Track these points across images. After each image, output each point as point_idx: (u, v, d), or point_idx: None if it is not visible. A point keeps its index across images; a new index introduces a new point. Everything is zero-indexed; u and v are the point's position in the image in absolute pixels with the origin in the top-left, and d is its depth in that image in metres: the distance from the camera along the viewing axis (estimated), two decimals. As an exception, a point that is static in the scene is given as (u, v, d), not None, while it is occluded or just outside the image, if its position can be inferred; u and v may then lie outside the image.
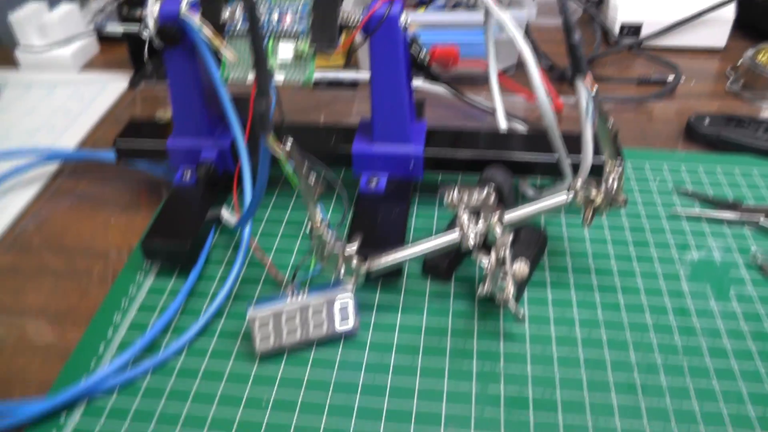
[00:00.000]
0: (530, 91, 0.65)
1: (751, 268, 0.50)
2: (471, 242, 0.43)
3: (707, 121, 0.64)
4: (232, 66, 0.49)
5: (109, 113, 0.70)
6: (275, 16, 0.49)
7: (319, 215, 0.41)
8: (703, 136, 0.63)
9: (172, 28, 0.48)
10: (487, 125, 0.66)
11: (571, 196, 0.45)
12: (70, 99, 0.72)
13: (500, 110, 0.58)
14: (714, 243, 0.52)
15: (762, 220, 0.53)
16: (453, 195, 0.43)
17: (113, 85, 0.74)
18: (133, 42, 0.73)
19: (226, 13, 0.49)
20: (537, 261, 0.50)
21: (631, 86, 0.74)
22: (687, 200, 0.56)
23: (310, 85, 0.48)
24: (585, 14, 0.88)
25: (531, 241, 0.49)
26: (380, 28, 0.47)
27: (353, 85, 0.72)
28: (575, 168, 0.50)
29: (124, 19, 0.73)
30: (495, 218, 0.43)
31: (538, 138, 0.53)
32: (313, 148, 0.52)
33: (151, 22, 0.70)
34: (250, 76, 0.49)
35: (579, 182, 0.45)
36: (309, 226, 0.41)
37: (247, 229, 0.49)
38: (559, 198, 0.45)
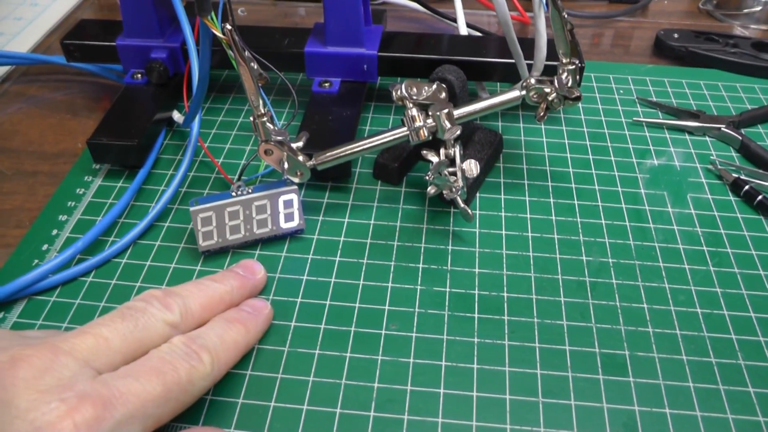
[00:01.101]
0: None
1: (710, 174, 0.49)
2: (418, 137, 0.42)
3: (676, 35, 0.62)
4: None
5: (64, 21, 0.68)
6: None
7: (261, 106, 0.40)
8: (671, 50, 0.62)
9: None
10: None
11: (524, 92, 0.43)
12: (21, 5, 0.69)
13: (461, 17, 0.57)
14: (674, 150, 0.51)
15: (723, 128, 0.52)
16: (401, 89, 0.42)
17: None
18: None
19: None
20: (491, 163, 0.49)
21: (602, 5, 0.72)
22: (650, 110, 0.55)
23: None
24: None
25: (485, 142, 0.48)
26: None
27: (316, -2, 0.70)
28: (531, 68, 0.48)
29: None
30: (444, 112, 0.42)
31: (496, 42, 0.52)
32: (265, 49, 0.50)
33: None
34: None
35: (533, 79, 0.43)
36: (252, 118, 0.40)
37: (195, 126, 0.48)
38: (512, 94, 0.43)
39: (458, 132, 0.41)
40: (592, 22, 0.68)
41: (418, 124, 0.41)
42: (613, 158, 0.50)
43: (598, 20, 0.68)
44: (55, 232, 0.45)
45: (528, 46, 0.48)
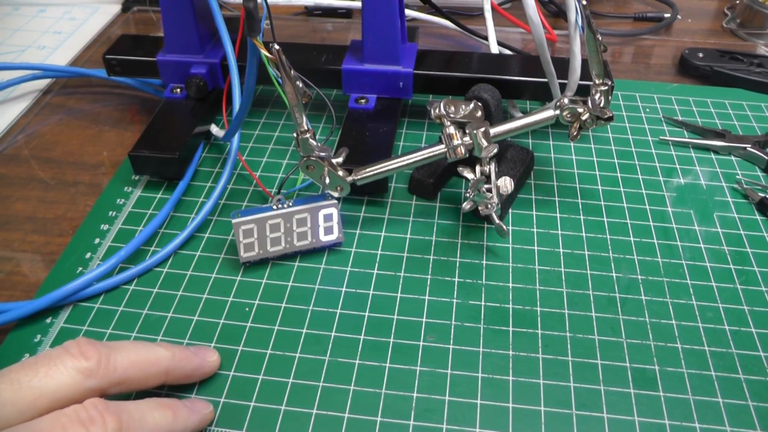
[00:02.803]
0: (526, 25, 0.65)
1: (735, 193, 0.50)
2: (456, 154, 0.43)
3: (701, 54, 0.64)
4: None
5: (100, 35, 0.70)
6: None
7: (305, 123, 0.41)
8: (695, 69, 0.63)
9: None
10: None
11: (557, 112, 0.45)
12: (60, 20, 0.71)
13: (492, 35, 0.58)
14: (700, 169, 0.52)
15: (749, 147, 0.53)
16: (440, 108, 0.43)
17: (106, 8, 0.74)
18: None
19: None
20: (523, 180, 0.50)
21: (627, 23, 0.73)
22: (676, 128, 0.56)
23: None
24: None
25: (517, 159, 0.49)
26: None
27: (347, 14, 0.72)
28: (564, 88, 0.50)
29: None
30: (480, 131, 0.43)
31: (528, 61, 0.53)
32: (304, 66, 0.52)
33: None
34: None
35: (566, 99, 0.45)
36: (294, 134, 0.41)
37: (235, 140, 0.49)
38: (546, 113, 0.45)
39: (495, 150, 0.42)
40: (618, 39, 0.69)
41: (456, 142, 0.42)
42: (640, 176, 0.51)
43: (623, 38, 0.70)
44: (97, 240, 0.46)
45: (559, 65, 0.49)
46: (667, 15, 0.73)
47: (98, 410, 0.29)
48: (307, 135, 0.41)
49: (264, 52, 0.38)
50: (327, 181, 0.43)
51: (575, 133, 0.44)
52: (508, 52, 0.63)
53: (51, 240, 0.47)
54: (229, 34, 0.50)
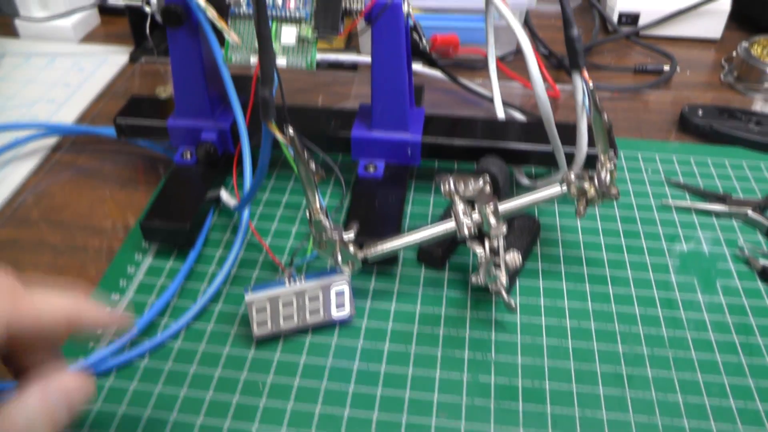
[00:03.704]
0: (527, 80, 0.66)
1: (738, 260, 0.51)
2: (466, 232, 0.44)
3: (700, 112, 0.65)
4: (236, 48, 0.50)
5: (109, 87, 0.70)
6: (279, 0, 0.49)
7: (318, 202, 0.42)
8: (695, 127, 0.64)
9: (177, 8, 0.48)
10: (485, 111, 0.66)
11: (564, 188, 0.45)
12: (70, 71, 0.72)
13: (498, 100, 0.59)
14: (702, 235, 0.53)
15: (750, 212, 0.54)
16: (449, 184, 0.44)
17: (114, 59, 0.74)
18: (135, 15, 0.73)
19: (230, -5, 0.50)
20: (530, 250, 0.51)
21: (627, 75, 0.74)
22: (678, 191, 0.57)
23: (312, 69, 0.49)
24: (584, 1, 0.88)
25: (524, 229, 0.50)
26: (383, 16, 0.47)
27: (353, 67, 0.72)
28: (570, 158, 0.50)
29: (124, -8, 0.72)
30: (490, 209, 0.44)
31: (534, 127, 0.54)
32: (312, 132, 0.53)
33: (152, -3, 0.70)
34: (253, 59, 0.50)
35: (572, 175, 0.45)
36: (308, 213, 0.42)
37: (246, 213, 0.50)
38: (553, 190, 0.45)
39: (504, 230, 0.43)
40: (618, 95, 0.70)
41: (466, 221, 0.43)
42: (644, 243, 0.52)
43: (623, 93, 0.71)
44: (109, 311, 0.46)
45: (564, 132, 0.49)
46: (666, 67, 0.74)
47: None
48: (321, 215, 0.42)
49: (279, 136, 0.39)
50: (339, 258, 0.44)
51: (582, 211, 0.45)
52: (514, 112, 0.63)
53: (63, 310, 0.47)
54: (238, 96, 0.51)
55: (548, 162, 0.53)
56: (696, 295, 0.48)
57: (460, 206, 0.44)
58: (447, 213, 0.52)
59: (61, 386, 0.31)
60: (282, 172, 0.58)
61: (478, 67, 0.73)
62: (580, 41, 0.41)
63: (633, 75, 0.74)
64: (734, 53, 0.74)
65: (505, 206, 0.45)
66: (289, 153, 0.40)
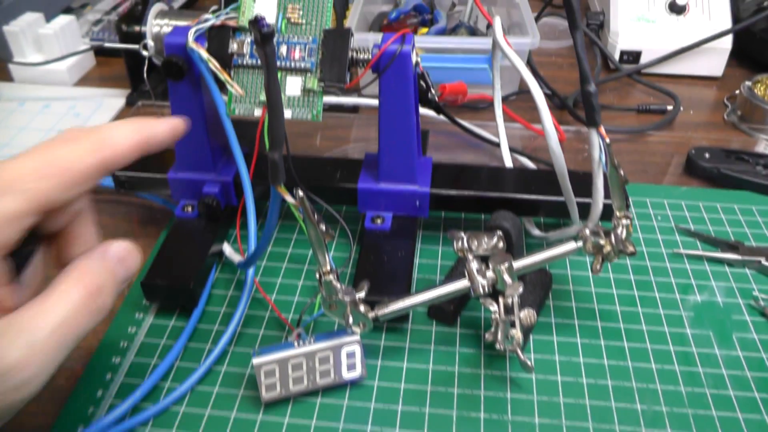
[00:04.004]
0: (533, 126, 0.65)
1: (753, 312, 0.50)
2: (481, 291, 0.42)
3: (707, 155, 0.64)
4: (239, 100, 0.49)
5: (105, 133, 0.69)
6: (283, 50, 0.48)
7: (328, 264, 0.40)
8: (703, 170, 0.63)
9: (179, 60, 0.47)
10: (489, 154, 0.66)
11: (580, 244, 0.44)
12: (65, 116, 0.70)
13: (505, 147, 0.58)
14: (716, 284, 0.52)
15: (763, 261, 0.53)
16: (463, 242, 0.43)
17: (110, 102, 0.73)
18: (131, 58, 0.72)
19: (233, 45, 0.48)
20: (542, 303, 0.49)
21: (630, 115, 0.74)
22: (689, 238, 0.56)
23: (318, 121, 0.48)
24: (586, 38, 0.88)
25: (536, 283, 0.49)
26: (391, 66, 0.46)
27: (354, 109, 0.72)
28: (581, 207, 0.49)
29: (123, 34, 0.71)
30: (504, 267, 0.43)
31: (544, 176, 0.53)
32: (317, 184, 0.51)
33: (150, 40, 0.69)
34: (257, 111, 0.48)
35: (587, 231, 0.44)
36: (317, 274, 0.41)
37: (250, 272, 0.48)
38: (568, 246, 0.44)
39: (520, 290, 0.42)
40: (623, 136, 0.70)
41: (481, 281, 0.42)
42: (657, 294, 0.51)
43: (628, 135, 0.70)
44: (109, 376, 0.45)
45: (574, 179, 0.48)
46: (669, 107, 0.73)
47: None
48: (331, 276, 0.40)
49: (288, 198, 0.37)
50: (350, 320, 0.42)
51: (598, 267, 0.44)
52: (520, 157, 0.62)
53: (60, 374, 0.45)
54: (240, 145, 0.49)
55: (559, 213, 0.52)
56: (713, 349, 0.47)
57: (474, 265, 0.43)
58: (457, 266, 0.51)
59: (116, 251, 0.35)
60: (286, 222, 0.57)
61: (481, 107, 0.72)
62: (597, 97, 0.40)
63: (636, 115, 0.74)
64: (737, 92, 0.74)
65: (520, 264, 0.44)
66: (298, 214, 0.39)
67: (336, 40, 0.48)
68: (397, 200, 0.51)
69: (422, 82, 0.50)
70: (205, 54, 0.47)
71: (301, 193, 0.37)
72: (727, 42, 0.78)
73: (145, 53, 0.66)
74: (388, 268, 0.48)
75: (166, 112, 0.71)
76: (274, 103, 0.34)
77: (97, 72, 0.82)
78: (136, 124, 0.35)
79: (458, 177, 0.52)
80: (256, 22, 0.31)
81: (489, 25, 0.78)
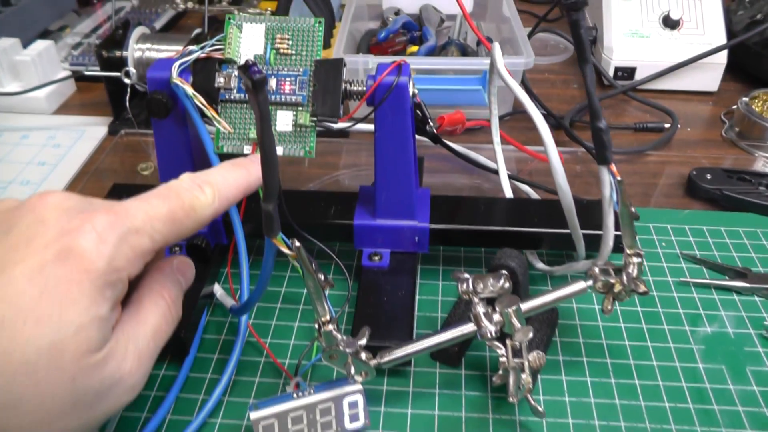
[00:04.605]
0: (530, 150, 0.63)
1: (765, 342, 0.48)
2: (489, 336, 0.41)
3: (708, 176, 0.62)
4: (227, 137, 0.46)
5: (88, 164, 0.66)
6: (273, 83, 0.46)
7: (328, 314, 0.38)
8: (705, 192, 0.62)
9: (164, 97, 0.45)
10: (484, 178, 0.64)
11: (590, 283, 0.43)
12: (45, 147, 0.68)
13: (504, 176, 0.56)
14: (726, 314, 0.50)
15: (773, 289, 0.51)
16: (468, 285, 0.41)
17: (91, 131, 0.70)
18: (113, 84, 0.69)
19: (220, 79, 0.46)
20: (549, 342, 0.47)
21: (627, 134, 0.72)
22: (695, 266, 0.55)
23: (312, 157, 0.46)
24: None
25: (543, 321, 0.47)
26: (387, 99, 0.44)
27: (344, 134, 0.69)
28: (587, 239, 0.47)
29: (103, 60, 0.69)
30: (512, 310, 0.41)
31: (546, 207, 0.51)
32: (309, 220, 0.49)
33: (132, 67, 0.67)
34: (247, 148, 0.46)
35: (597, 269, 0.43)
36: (316, 325, 0.39)
37: (244, 318, 0.46)
38: (577, 286, 0.43)
39: (530, 335, 0.40)
40: (622, 157, 0.68)
41: (489, 327, 0.40)
42: (666, 327, 0.49)
43: (627, 155, 0.68)
44: None
45: (579, 211, 0.47)
46: (667, 125, 0.72)
47: (194, 181, 0.37)
48: (331, 327, 0.38)
49: (285, 250, 0.35)
50: (352, 370, 0.40)
51: (609, 307, 0.42)
52: (519, 184, 0.61)
53: None
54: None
55: (563, 246, 0.50)
56: (727, 384, 0.45)
57: (481, 308, 0.41)
58: (459, 303, 0.49)
59: (179, 265, 0.40)
60: (279, 259, 0.54)
61: (476, 128, 0.70)
62: (608, 133, 0.38)
63: (634, 133, 0.72)
64: (734, 107, 0.73)
65: (528, 306, 0.42)
66: (296, 264, 0.37)
67: (328, 71, 0.46)
68: (396, 236, 0.49)
69: (419, 112, 0.48)
70: (190, 90, 0.45)
71: (297, 243, 0.35)
72: (722, 57, 0.76)
73: (127, 81, 0.64)
74: (389, 309, 0.46)
75: (150, 141, 0.69)
76: (268, 153, 0.32)
77: (77, 98, 0.79)
78: (242, 172, 0.40)
79: (458, 210, 0.51)
80: (247, 69, 0.29)
81: (480, 42, 0.77)
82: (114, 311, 0.34)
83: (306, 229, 0.47)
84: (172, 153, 0.48)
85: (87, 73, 0.72)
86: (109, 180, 0.63)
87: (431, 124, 0.48)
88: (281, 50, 0.46)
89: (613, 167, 0.39)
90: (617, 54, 0.77)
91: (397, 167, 0.46)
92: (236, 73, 0.46)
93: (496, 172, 0.58)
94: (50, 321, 0.30)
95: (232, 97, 0.46)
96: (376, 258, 0.49)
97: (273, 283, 0.52)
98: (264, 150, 0.32)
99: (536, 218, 0.50)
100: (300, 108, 0.46)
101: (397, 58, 0.46)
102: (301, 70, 0.46)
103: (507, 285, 0.42)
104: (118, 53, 0.70)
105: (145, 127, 0.70)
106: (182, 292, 0.40)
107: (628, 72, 0.78)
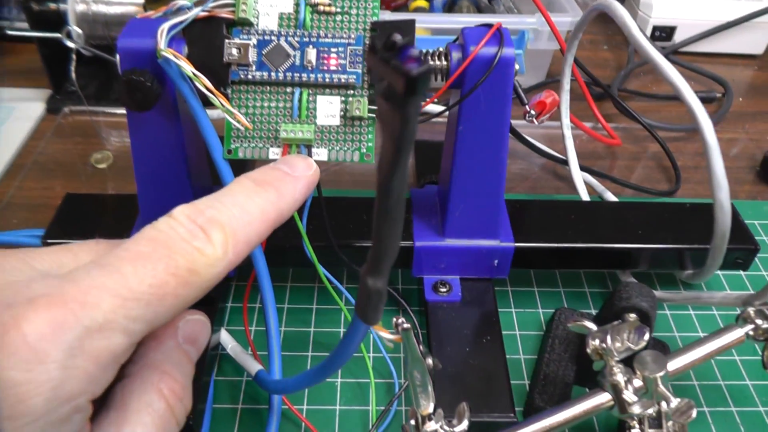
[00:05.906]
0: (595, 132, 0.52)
1: None
2: (633, 413, 0.30)
3: (786, 158, 0.53)
4: (242, 136, 0.33)
5: (24, 153, 0.51)
6: (311, 56, 0.32)
7: (431, 406, 0.26)
8: (786, 178, 0.52)
9: (146, 78, 0.31)
10: (529, 161, 0.52)
11: (745, 329, 0.32)
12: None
13: (576, 171, 0.45)
14: None
15: None
16: (607, 342, 0.30)
17: (24, 108, 0.54)
18: (48, 47, 0.54)
19: (232, 50, 0.32)
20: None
21: (673, 105, 0.62)
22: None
23: (371, 163, 0.33)
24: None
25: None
26: (487, 80, 0.32)
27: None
28: (689, 252, 0.37)
29: (33, 15, 0.53)
30: (659, 376, 0.30)
31: (645, 214, 0.40)
32: (355, 240, 0.37)
33: (75, 26, 0.52)
34: (273, 152, 0.33)
35: (751, 310, 0.32)
36: (413, 421, 0.27)
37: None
38: (733, 334, 0.32)
39: (694, 413, 0.29)
40: (678, 134, 0.58)
41: (636, 404, 0.29)
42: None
43: (684, 132, 0.58)
44: None
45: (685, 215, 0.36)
46: (718, 94, 0.62)
47: (194, 222, 0.23)
48: (436, 426, 0.27)
49: (387, 336, 0.23)
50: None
51: (771, 360, 0.32)
52: (590, 177, 0.49)
53: None
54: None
55: (663, 265, 0.39)
56: None
57: (618, 375, 0.30)
58: (552, 325, 0.38)
59: (187, 334, 0.27)
60: (297, 283, 0.42)
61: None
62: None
63: (681, 104, 0.62)
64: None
65: (676, 365, 0.31)
66: (388, 345, 0.25)
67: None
68: (471, 260, 0.37)
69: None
70: (189, 67, 0.31)
71: (405, 323, 0.23)
72: (771, 14, 0.66)
73: (70, 44, 0.49)
74: (477, 367, 0.34)
75: (105, 122, 0.54)
76: (393, 207, 0.19)
77: (4, 64, 0.61)
78: (269, 196, 0.26)
79: (544, 221, 0.39)
80: (398, 52, 0.16)
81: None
82: None
83: (346, 251, 0.35)
84: (157, 163, 0.34)
85: (10, 32, 0.56)
86: (53, 178, 0.48)
87: (531, 112, 0.35)
88: (321, 7, 0.32)
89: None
90: (656, 11, 0.66)
91: (484, 173, 0.34)
92: (255, 41, 0.32)
93: (564, 162, 0.46)
94: None
95: (249, 76, 0.32)
96: (444, 290, 0.37)
97: (296, 320, 0.40)
98: (389, 201, 0.19)
99: (641, 230, 0.39)
100: (352, 92, 0.33)
101: (409, 16, 0.33)
102: (352, 36, 0.32)
103: (647, 336, 0.31)
104: (52, 6, 0.54)
105: (97, 104, 0.54)
106: (192, 372, 0.26)
107: (667, 32, 0.67)
